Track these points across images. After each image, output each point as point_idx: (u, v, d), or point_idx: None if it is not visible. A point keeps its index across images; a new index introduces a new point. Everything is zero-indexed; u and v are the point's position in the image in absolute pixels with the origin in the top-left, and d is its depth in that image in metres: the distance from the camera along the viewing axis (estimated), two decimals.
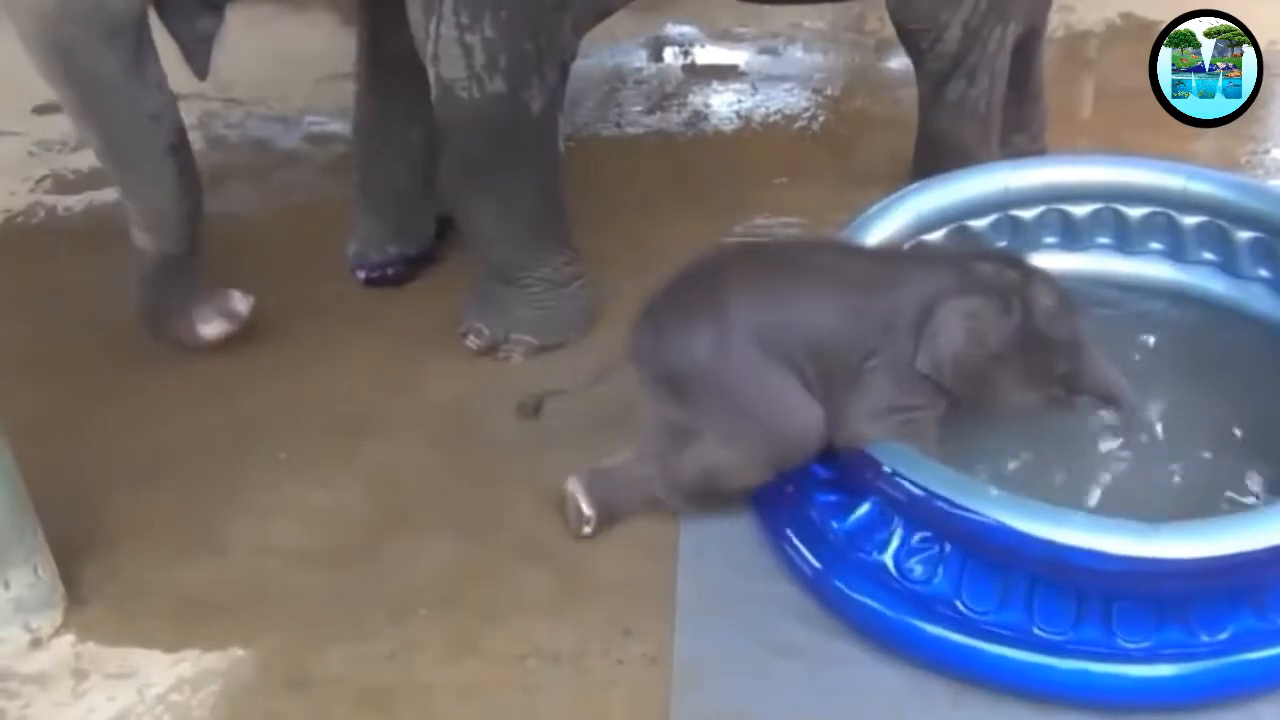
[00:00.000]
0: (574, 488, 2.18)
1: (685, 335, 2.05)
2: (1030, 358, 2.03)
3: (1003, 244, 2.47)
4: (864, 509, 2.02)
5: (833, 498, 2.08)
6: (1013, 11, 2.75)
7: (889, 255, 2.21)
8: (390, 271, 2.87)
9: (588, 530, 2.17)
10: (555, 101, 2.48)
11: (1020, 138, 3.06)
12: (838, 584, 2.00)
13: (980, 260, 2.09)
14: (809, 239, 2.60)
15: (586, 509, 2.16)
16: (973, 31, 2.72)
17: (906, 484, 1.92)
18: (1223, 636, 1.85)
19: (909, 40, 2.84)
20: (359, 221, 2.88)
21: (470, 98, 2.38)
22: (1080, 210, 2.49)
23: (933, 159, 2.82)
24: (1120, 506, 2.02)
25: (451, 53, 2.35)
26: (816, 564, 2.04)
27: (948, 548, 1.93)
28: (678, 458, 2.10)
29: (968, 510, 1.85)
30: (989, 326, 2.00)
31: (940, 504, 1.88)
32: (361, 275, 2.87)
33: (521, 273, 2.61)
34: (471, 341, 2.65)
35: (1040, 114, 3.12)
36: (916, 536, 1.96)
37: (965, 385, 2.02)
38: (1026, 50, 2.95)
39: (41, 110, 3.51)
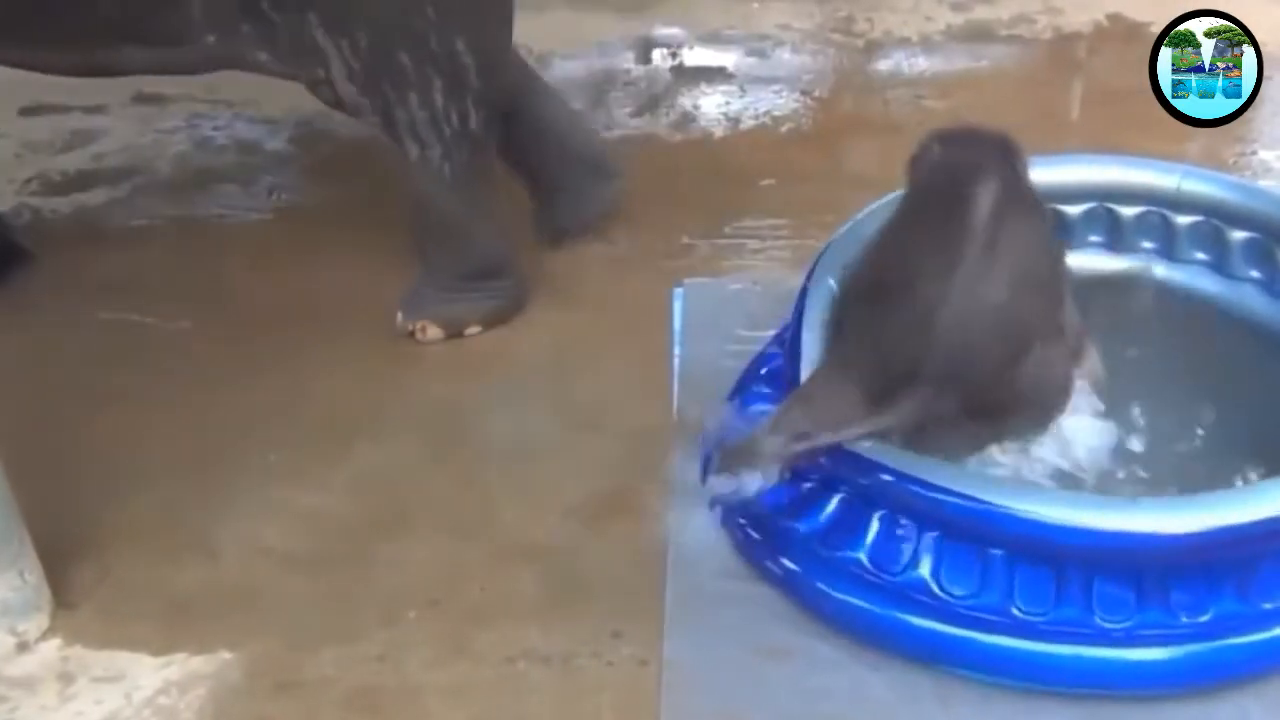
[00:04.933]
0: None
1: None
2: None
3: None
4: (833, 505, 2.01)
5: (787, 497, 2.07)
6: (421, 73, 2.46)
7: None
8: None
9: None
10: None
11: (546, 232, 2.92)
12: (818, 585, 2.00)
13: None
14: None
15: None
16: (368, 86, 2.48)
17: (880, 470, 1.92)
18: (1204, 619, 1.86)
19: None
20: None
21: None
22: (1073, 210, 2.50)
23: (422, 228, 2.69)
24: None
25: None
26: (793, 566, 2.04)
27: (926, 536, 1.93)
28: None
29: (945, 490, 1.86)
30: None
31: (915, 487, 1.88)
32: None
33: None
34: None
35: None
36: (896, 527, 1.96)
37: None
38: (519, 137, 2.79)
39: (28, 112, 3.50)
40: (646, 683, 1.95)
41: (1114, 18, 3.94)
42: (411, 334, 2.71)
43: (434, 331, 2.70)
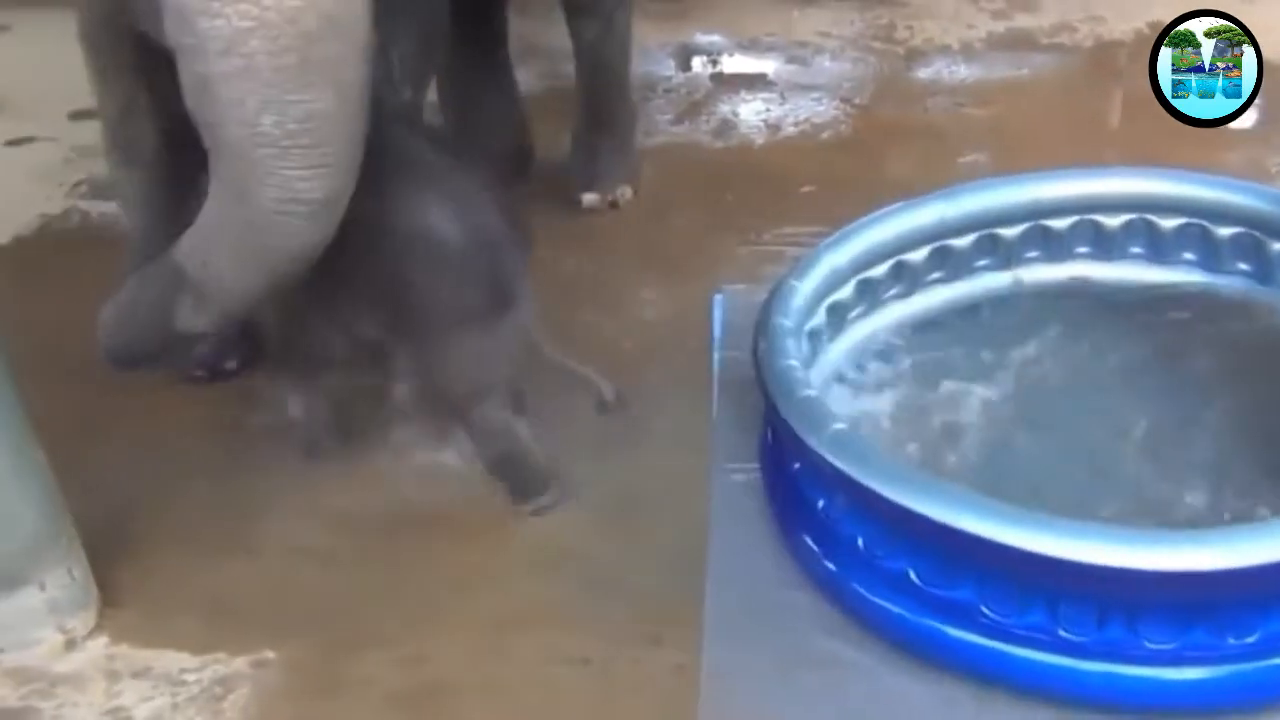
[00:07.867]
0: None
1: None
2: None
3: (1033, 254, 2.49)
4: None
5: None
6: None
7: None
8: None
9: None
10: None
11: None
12: (856, 588, 2.00)
13: None
14: None
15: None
16: None
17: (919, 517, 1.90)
18: (1251, 640, 1.84)
19: None
20: None
21: None
22: (1113, 221, 2.50)
23: (609, 95, 3.05)
24: (1135, 511, 2.03)
25: None
26: (834, 568, 2.04)
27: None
28: None
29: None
30: None
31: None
32: None
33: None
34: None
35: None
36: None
37: None
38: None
39: (78, 116, 3.53)
40: (684, 689, 1.95)
41: (1155, 26, 3.89)
42: (614, 204, 2.95)
43: (627, 191, 2.95)
